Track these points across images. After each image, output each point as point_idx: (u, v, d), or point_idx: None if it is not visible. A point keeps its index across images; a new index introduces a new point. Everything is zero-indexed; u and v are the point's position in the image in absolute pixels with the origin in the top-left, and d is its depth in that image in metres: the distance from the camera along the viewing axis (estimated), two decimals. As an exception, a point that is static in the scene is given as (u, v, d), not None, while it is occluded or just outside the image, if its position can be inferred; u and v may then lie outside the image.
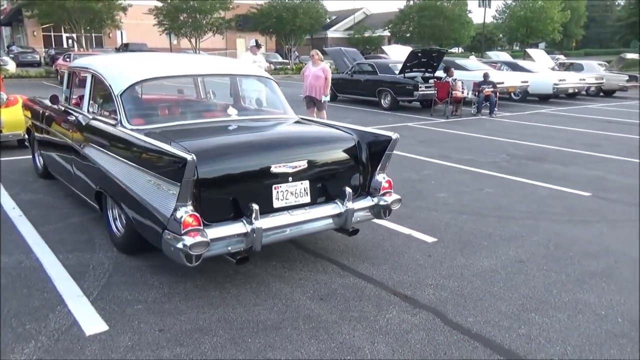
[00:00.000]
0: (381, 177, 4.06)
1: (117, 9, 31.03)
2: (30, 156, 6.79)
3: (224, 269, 3.86)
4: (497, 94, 14.31)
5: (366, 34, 51.79)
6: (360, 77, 15.98)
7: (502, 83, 15.54)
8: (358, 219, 3.94)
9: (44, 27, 39.02)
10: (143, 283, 3.67)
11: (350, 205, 3.78)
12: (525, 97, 17.66)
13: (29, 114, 6.57)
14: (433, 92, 13.89)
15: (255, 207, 3.33)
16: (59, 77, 23.02)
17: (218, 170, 3.39)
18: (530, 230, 4.95)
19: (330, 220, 3.81)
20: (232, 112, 4.36)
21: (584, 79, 18.57)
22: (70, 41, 41.11)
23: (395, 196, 4.07)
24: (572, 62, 22.24)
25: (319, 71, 9.82)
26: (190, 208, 3.15)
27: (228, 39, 46.67)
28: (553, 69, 20.78)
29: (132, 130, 3.86)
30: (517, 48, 57.16)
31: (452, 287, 3.73)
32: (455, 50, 54.41)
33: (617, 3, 75.93)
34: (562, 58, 32.79)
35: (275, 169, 3.56)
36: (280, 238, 3.62)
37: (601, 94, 20.60)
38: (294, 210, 3.64)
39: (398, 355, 2.88)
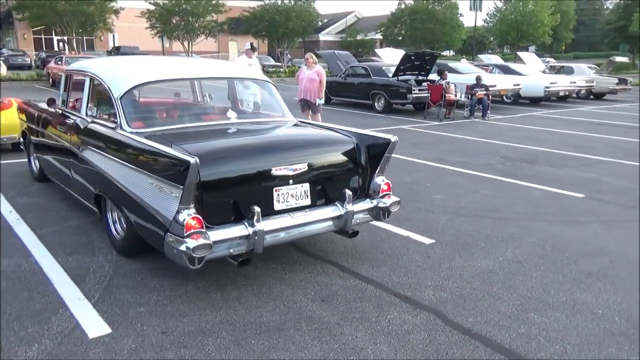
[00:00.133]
0: (380, 180, 4.09)
1: (109, 11, 30.90)
2: (26, 160, 6.77)
3: (224, 271, 3.87)
4: (490, 96, 14.42)
5: (358, 37, 51.97)
6: (353, 80, 16.04)
7: (495, 86, 15.66)
8: (358, 221, 3.97)
9: (34, 29, 38.78)
10: (144, 286, 3.67)
11: (350, 207, 3.81)
12: (517, 99, 17.80)
13: (24, 117, 6.55)
14: (426, 95, 13.97)
15: (257, 209, 3.35)
16: (50, 80, 22.91)
17: (220, 172, 3.41)
18: (526, 231, 5.00)
19: (330, 223, 3.84)
20: (232, 115, 4.38)
21: (574, 82, 18.77)
22: (61, 44, 40.91)
23: (394, 198, 4.10)
24: (563, 65, 22.44)
25: (313, 74, 9.85)
26: (192, 211, 3.16)
27: (220, 42, 46.63)
28: (544, 72, 20.98)
29: (132, 133, 3.87)
30: (508, 51, 57.63)
31: (452, 287, 3.76)
32: (446, 53, 54.75)
33: (605, 7, 76.79)
34: (552, 61, 33.10)
35: (276, 171, 3.58)
36: (282, 240, 3.64)
37: (591, 96, 20.82)
38: (294, 213, 3.66)
39: (401, 356, 2.90)
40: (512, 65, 20.04)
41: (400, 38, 47.31)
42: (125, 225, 4.00)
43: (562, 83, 18.16)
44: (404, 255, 4.36)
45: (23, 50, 37.65)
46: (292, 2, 40.30)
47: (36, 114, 5.85)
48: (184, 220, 3.11)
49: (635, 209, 5.82)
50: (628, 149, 9.74)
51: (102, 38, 42.44)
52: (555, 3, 46.40)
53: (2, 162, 7.34)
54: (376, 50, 29.71)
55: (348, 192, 3.82)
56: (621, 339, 3.11)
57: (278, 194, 3.61)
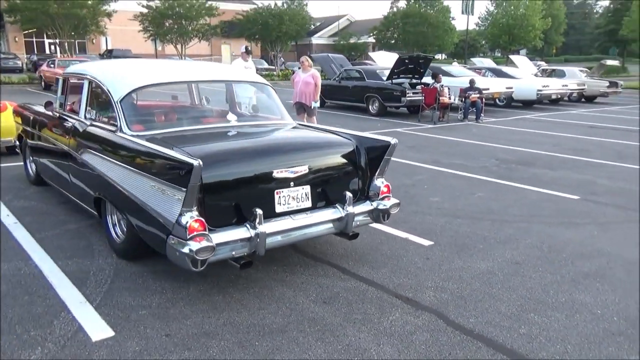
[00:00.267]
0: (380, 182, 4.12)
1: (101, 14, 30.82)
2: (21, 163, 6.73)
3: (226, 273, 3.88)
4: (483, 99, 14.52)
5: (351, 41, 52.14)
6: (348, 84, 16.10)
7: (488, 89, 15.79)
8: (358, 223, 3.99)
9: (25, 32, 38.59)
10: (145, 289, 3.67)
11: (350, 209, 3.83)
12: (509, 102, 17.94)
13: (19, 120, 6.52)
14: (420, 98, 14.05)
15: (259, 211, 3.36)
16: (42, 83, 22.80)
17: (222, 175, 3.42)
18: (523, 232, 5.05)
19: (330, 225, 3.85)
20: (232, 117, 4.39)
21: (566, 85, 18.94)
22: (52, 47, 40.72)
23: (394, 200, 4.13)
24: (554, 69, 22.66)
25: (308, 77, 9.89)
26: (195, 213, 3.17)
27: (213, 45, 46.62)
28: (536, 75, 21.16)
29: (132, 136, 3.87)
30: (499, 54, 58.03)
31: (452, 289, 3.79)
32: (439, 56, 55.04)
33: (595, 11, 77.59)
34: (543, 64, 33.37)
35: (277, 174, 3.59)
36: (283, 242, 3.65)
37: (582, 99, 21.01)
38: (295, 215, 3.67)
39: (404, 356, 2.92)
40: (505, 69, 20.18)
41: (392, 41, 47.55)
42: (125, 228, 3.99)
43: (554, 86, 18.32)
44: (403, 257, 4.39)
45: (14, 54, 37.42)
46: (285, 6, 40.42)
47: (33, 117, 5.83)
48: (187, 222, 3.12)
49: (630, 210, 5.88)
50: (621, 151, 9.85)
51: (94, 41, 42.29)
52: (546, 7, 46.81)
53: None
54: (370, 53, 29.77)
55: (348, 194, 3.85)
56: (621, 339, 3.15)
57: (279, 197, 3.62)
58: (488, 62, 26.05)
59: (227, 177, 3.46)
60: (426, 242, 4.72)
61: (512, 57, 26.05)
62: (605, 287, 3.87)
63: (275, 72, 33.83)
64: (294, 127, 4.62)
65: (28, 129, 6.02)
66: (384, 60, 19.28)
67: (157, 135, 3.92)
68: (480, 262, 4.29)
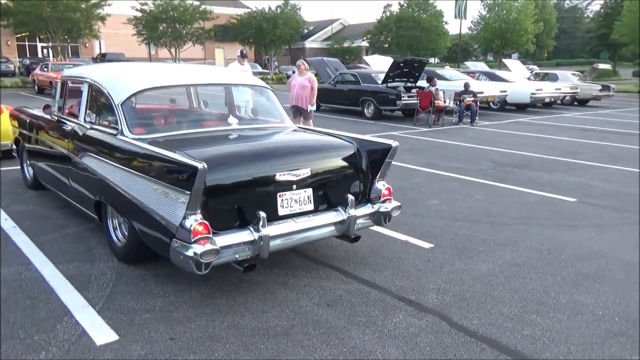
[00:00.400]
0: (381, 185, 4.14)
1: (95, 18, 30.71)
2: (17, 167, 6.70)
3: (228, 277, 3.88)
4: (478, 103, 14.60)
5: (345, 45, 52.29)
6: (343, 87, 16.13)
7: (482, 93, 15.87)
8: (359, 226, 4.00)
9: (18, 36, 38.38)
10: (148, 292, 3.66)
11: (352, 212, 3.84)
12: (503, 106, 18.04)
13: (16, 123, 6.50)
14: (415, 101, 14.11)
15: (263, 214, 3.37)
16: (35, 87, 22.68)
17: (225, 178, 3.42)
18: (522, 235, 5.08)
19: (332, 228, 3.86)
20: (233, 121, 4.40)
21: (559, 89, 19.09)
22: (45, 51, 40.54)
23: (395, 203, 4.14)
24: (547, 72, 22.82)
25: (305, 81, 9.91)
26: (199, 216, 3.17)
27: (207, 49, 46.57)
28: (529, 79, 21.31)
29: (134, 139, 3.86)
30: (491, 58, 58.39)
31: (454, 291, 3.81)
32: (431, 60, 55.28)
33: (586, 15, 78.27)
34: (535, 68, 33.62)
35: (279, 177, 3.60)
36: (286, 245, 3.66)
37: (575, 103, 21.17)
38: (298, 218, 3.68)
39: (409, 358, 2.93)
40: (498, 72, 20.32)
41: (386, 45, 47.73)
42: (127, 232, 3.98)
43: (547, 90, 18.46)
44: (404, 259, 4.40)
45: (6, 57, 37.18)
46: (279, 10, 40.49)
47: (31, 121, 5.80)
48: (191, 225, 3.12)
49: (626, 212, 5.94)
50: (615, 154, 9.93)
51: (87, 45, 42.13)
52: (538, 11, 47.17)
53: (-7, 169, 7.27)
54: (364, 57, 29.88)
55: (350, 197, 3.86)
56: (623, 339, 3.18)
57: (282, 199, 3.63)
58: (481, 66, 26.23)
59: (231, 180, 3.46)
60: (426, 245, 4.74)
61: (505, 60, 26.21)
62: (605, 288, 3.90)
63: (269, 76, 33.84)
64: (294, 130, 4.63)
65: (26, 132, 5.99)
66: (378, 64, 19.35)
67: (158, 138, 3.92)
68: (481, 264, 4.32)
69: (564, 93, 19.39)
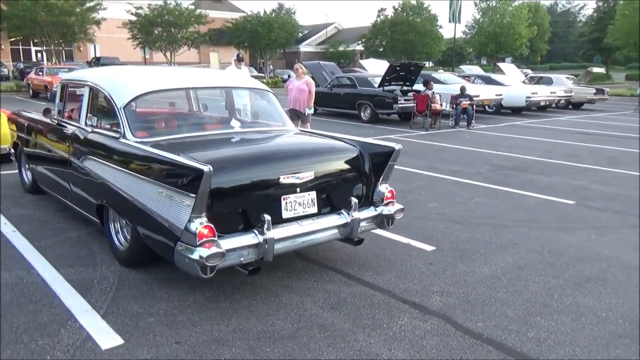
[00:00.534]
0: (384, 187, 4.14)
1: (90, 22, 30.64)
2: (16, 171, 6.67)
3: (231, 280, 3.86)
4: (474, 106, 14.66)
5: (340, 48, 52.41)
6: (339, 91, 16.17)
7: (478, 96, 15.93)
8: (362, 228, 4.00)
9: (12, 40, 38.23)
10: (151, 296, 3.64)
11: (356, 215, 3.84)
12: (499, 109, 18.12)
13: (14, 127, 6.46)
14: (412, 104, 14.15)
15: (268, 217, 3.36)
16: (30, 91, 22.60)
17: (230, 181, 3.41)
18: (523, 237, 5.09)
19: (336, 231, 3.85)
20: (235, 124, 4.39)
21: (554, 92, 19.19)
22: (39, 55, 40.37)
23: (398, 206, 4.15)
24: (542, 76, 22.96)
25: (302, 84, 9.94)
26: (204, 219, 3.16)
27: (202, 53, 46.57)
28: (524, 82, 21.42)
29: (137, 142, 3.85)
30: (485, 62, 58.68)
31: (458, 293, 3.81)
32: (426, 64, 55.48)
33: (578, 20, 78.85)
34: (529, 72, 33.81)
35: (284, 179, 3.60)
36: (291, 248, 3.66)
37: (570, 106, 21.29)
38: (302, 221, 3.67)
39: (416, 361, 2.93)
40: (494, 76, 20.42)
41: (381, 49, 47.87)
42: (129, 236, 3.97)
43: (542, 93, 18.56)
44: (407, 262, 4.40)
45: (0, 61, 37.04)
46: (274, 14, 40.57)
47: (30, 125, 5.78)
48: (196, 228, 3.11)
49: (625, 214, 5.97)
50: (611, 156, 9.99)
51: (81, 49, 42.03)
52: (531, 15, 47.46)
53: (-10, 173, 7.22)
54: (360, 61, 30.00)
55: (354, 200, 3.86)
56: (627, 341, 3.19)
57: (286, 202, 3.62)
58: (477, 70, 26.34)
59: (235, 183, 3.45)
60: (428, 248, 4.74)
61: (500, 64, 26.36)
62: (607, 290, 3.92)
63: (264, 80, 33.90)
64: (296, 134, 4.63)
65: (24, 136, 5.96)
66: (374, 68, 19.42)
67: (161, 141, 3.91)
68: (484, 267, 4.32)
69: (559, 96, 19.50)
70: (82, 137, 4.49)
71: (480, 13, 46.73)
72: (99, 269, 4.09)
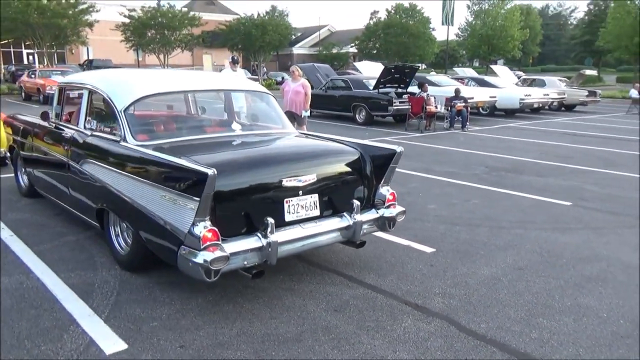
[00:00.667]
0: (385, 190, 4.15)
1: (83, 24, 30.50)
2: (12, 174, 6.61)
3: (233, 284, 3.85)
4: (469, 108, 14.72)
5: (334, 51, 52.50)
6: (334, 93, 16.19)
7: (472, 98, 16.00)
8: (365, 231, 4.00)
9: (2, 42, 37.96)
10: (153, 300, 3.63)
11: (358, 217, 3.84)
12: (492, 111, 18.22)
13: (10, 131, 6.42)
14: (407, 107, 14.19)
15: (271, 220, 3.36)
16: (23, 94, 22.42)
17: (233, 184, 3.41)
18: (521, 238, 5.12)
19: (338, 233, 3.86)
20: (236, 127, 4.39)
21: (547, 94, 19.32)
22: (31, 57, 40.13)
23: (399, 208, 4.16)
24: (535, 78, 23.10)
25: (298, 87, 9.94)
26: (208, 223, 3.15)
27: (195, 55, 46.49)
28: (517, 84, 21.53)
29: (138, 146, 3.84)
30: (477, 64, 58.96)
31: (460, 295, 3.83)
32: (420, 66, 55.70)
33: (569, 22, 79.46)
34: (521, 74, 34.00)
35: (286, 182, 3.60)
36: (294, 251, 3.65)
37: (562, 108, 21.42)
38: (305, 224, 3.67)
39: (421, 363, 2.94)
40: (487, 78, 20.52)
41: (374, 52, 48.00)
42: (130, 240, 3.95)
43: (536, 95, 18.68)
44: (407, 264, 4.41)
45: (-9, 64, 36.80)
46: (267, 17, 40.59)
47: (27, 128, 5.74)
48: (200, 232, 3.10)
49: (621, 215, 6.02)
50: (605, 158, 10.07)
51: (73, 51, 41.82)
52: (523, 18, 47.77)
53: (-15, 177, 7.16)
54: (355, 63, 30.05)
55: (356, 202, 3.87)
56: (629, 341, 3.21)
57: (289, 205, 3.62)
58: (470, 72, 26.45)
59: (239, 186, 3.45)
60: (428, 249, 4.76)
61: (493, 67, 26.49)
62: (608, 290, 3.95)
63: (258, 82, 33.90)
64: (297, 136, 4.64)
65: (21, 140, 5.92)
66: (368, 70, 19.43)
67: (163, 144, 3.89)
68: (484, 268, 4.34)
69: (552, 98, 19.63)
70: (81, 140, 4.46)
71: (473, 16, 46.98)
72: (99, 273, 4.06)
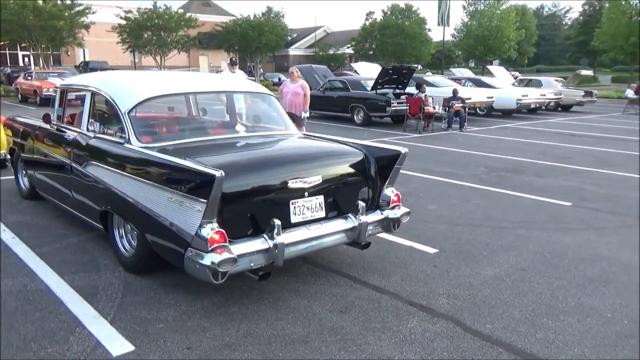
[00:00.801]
0: (390, 191, 4.16)
1: (79, 26, 30.40)
2: (12, 177, 6.60)
3: (237, 285, 3.85)
4: (466, 109, 14.76)
5: (330, 52, 52.55)
6: (332, 94, 16.20)
7: (470, 99, 16.05)
8: (370, 232, 4.01)
9: (-1, 44, 37.83)
10: (158, 302, 3.63)
11: (364, 218, 3.85)
12: (490, 112, 18.27)
13: (10, 133, 6.40)
14: (405, 107, 14.22)
15: (278, 222, 3.36)
16: (19, 96, 22.35)
17: (240, 186, 3.41)
18: (523, 239, 5.14)
19: (343, 235, 3.86)
20: (240, 128, 4.39)
21: (544, 95, 19.38)
22: (26, 59, 39.97)
23: (404, 209, 4.17)
24: (531, 79, 23.16)
25: (298, 88, 9.96)
26: (216, 225, 3.15)
27: (191, 57, 46.42)
28: (513, 84, 21.60)
29: (142, 148, 3.84)
30: (473, 65, 59.10)
31: (464, 295, 3.84)
32: (416, 67, 55.75)
33: (564, 23, 79.79)
34: (517, 75, 34.11)
35: (292, 184, 3.60)
36: (300, 253, 3.65)
37: (559, 108, 21.49)
38: (310, 225, 3.68)
39: (428, 363, 2.95)
40: (484, 79, 20.57)
41: (371, 52, 48.08)
42: (135, 242, 3.95)
43: (533, 96, 18.74)
44: (411, 265, 4.43)
45: (-15, 66, 36.60)
46: (263, 18, 40.59)
47: (28, 130, 5.72)
48: (208, 234, 3.10)
49: (621, 215, 6.05)
50: (603, 158, 10.12)
51: (69, 53, 41.67)
52: (519, 19, 47.96)
53: (-15, 179, 7.13)
54: (352, 64, 30.12)
55: (361, 203, 3.88)
56: (634, 341, 3.23)
57: (294, 207, 3.63)
58: (467, 73, 26.53)
59: (245, 187, 3.45)
60: (431, 250, 4.77)
61: (489, 67, 26.56)
62: (610, 290, 3.97)
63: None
64: (300, 138, 4.64)
65: (22, 142, 5.90)
66: (366, 71, 19.46)
67: (167, 146, 3.89)
68: (487, 269, 4.36)
69: (549, 99, 19.68)
70: (84, 143, 4.46)
71: (469, 16, 47.12)
72: (103, 275, 4.06)
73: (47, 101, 18.44)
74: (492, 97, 17.57)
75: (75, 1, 30.09)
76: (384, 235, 4.88)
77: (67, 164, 4.65)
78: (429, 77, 19.42)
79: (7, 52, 41.37)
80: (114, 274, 4.07)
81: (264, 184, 3.54)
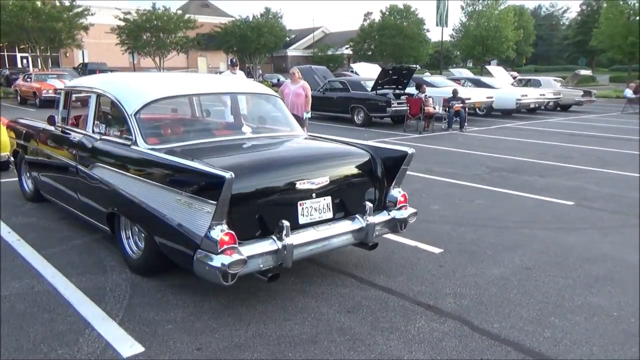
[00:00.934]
0: (397, 192, 4.18)
1: (78, 28, 30.40)
2: (15, 179, 6.60)
3: (245, 286, 3.86)
4: (466, 109, 14.79)
5: (329, 52, 52.60)
6: (332, 95, 16.22)
7: (469, 99, 16.08)
8: (377, 233, 4.02)
9: (-3, 46, 37.82)
10: (166, 303, 3.63)
11: (371, 219, 3.86)
12: (489, 112, 18.30)
13: (13, 135, 6.40)
14: (405, 108, 14.24)
15: (287, 223, 3.37)
16: (18, 97, 22.34)
17: (249, 187, 3.41)
18: (527, 238, 5.16)
19: (350, 236, 3.86)
20: (247, 130, 4.40)
21: (543, 95, 19.41)
22: (25, 61, 39.94)
23: (410, 210, 4.19)
24: (530, 79, 23.21)
25: (299, 89, 9.98)
26: (225, 226, 3.15)
27: (190, 58, 46.43)
28: (512, 84, 21.64)
29: (149, 149, 3.84)
30: (471, 65, 59.21)
31: (471, 295, 3.85)
32: (416, 67, 55.81)
33: (562, 23, 79.95)
34: (516, 75, 34.17)
35: (300, 185, 3.61)
36: (308, 254, 3.66)
37: (558, 108, 21.53)
38: (318, 226, 3.69)
39: (438, 363, 2.96)
40: (484, 79, 20.61)
41: (369, 53, 48.13)
42: (142, 244, 3.95)
43: (532, 95, 18.78)
44: (417, 265, 4.44)
45: (-16, 68, 36.56)
46: (262, 19, 40.61)
47: (31, 132, 5.72)
48: (218, 236, 3.10)
49: (624, 214, 6.07)
50: (604, 158, 10.14)
51: (67, 54, 41.66)
52: (517, 19, 48.07)
53: (-12, 181, 7.13)
54: (352, 65, 30.15)
55: (369, 204, 3.89)
56: (641, 339, 3.25)
57: (302, 208, 3.63)
58: (466, 73, 26.57)
59: (254, 188, 3.45)
60: (436, 250, 4.79)
61: (488, 67, 26.60)
62: (616, 289, 3.98)
63: (254, 84, 33.85)
64: (306, 138, 4.65)
65: (25, 144, 5.90)
66: (365, 71, 19.49)
67: (175, 148, 3.90)
68: (493, 268, 4.37)
69: (548, 99, 19.72)
70: (90, 145, 4.46)
71: (467, 17, 47.20)
72: (110, 277, 4.06)
73: (46, 103, 18.44)
74: (491, 97, 17.61)
75: (74, 3, 30.08)
76: (388, 235, 4.88)
77: (72, 166, 4.65)
78: (428, 77, 19.44)
79: (6, 54, 41.35)
80: (121, 276, 4.08)
81: (272, 185, 3.55)
